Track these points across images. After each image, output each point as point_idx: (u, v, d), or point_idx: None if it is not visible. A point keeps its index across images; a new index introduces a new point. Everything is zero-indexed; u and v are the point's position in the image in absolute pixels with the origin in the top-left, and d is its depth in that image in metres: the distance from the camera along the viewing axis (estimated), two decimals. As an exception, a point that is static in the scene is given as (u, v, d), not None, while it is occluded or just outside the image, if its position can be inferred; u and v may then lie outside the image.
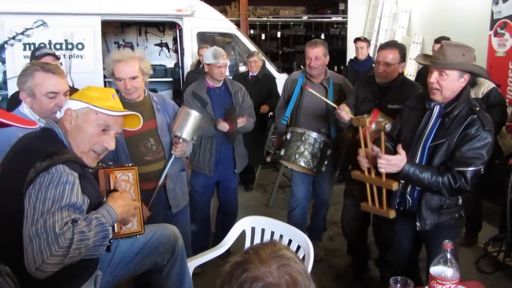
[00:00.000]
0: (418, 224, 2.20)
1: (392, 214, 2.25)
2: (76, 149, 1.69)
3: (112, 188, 1.84)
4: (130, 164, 2.00)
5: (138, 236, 1.96)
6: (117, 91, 2.30)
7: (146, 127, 2.51)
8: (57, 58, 3.26)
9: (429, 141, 2.15)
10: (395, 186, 2.16)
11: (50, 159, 1.52)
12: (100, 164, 1.85)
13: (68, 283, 1.65)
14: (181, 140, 2.51)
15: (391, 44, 2.91)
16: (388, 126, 2.17)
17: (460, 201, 2.18)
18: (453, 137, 2.07)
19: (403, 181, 2.21)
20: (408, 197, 2.24)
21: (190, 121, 2.49)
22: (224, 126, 3.14)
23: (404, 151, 2.10)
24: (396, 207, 2.30)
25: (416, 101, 2.32)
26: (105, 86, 6.03)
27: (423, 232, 2.24)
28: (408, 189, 2.23)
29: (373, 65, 3.34)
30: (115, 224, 1.77)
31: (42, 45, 5.41)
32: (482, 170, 2.04)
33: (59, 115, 1.79)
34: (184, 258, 2.19)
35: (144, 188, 2.54)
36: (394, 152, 2.14)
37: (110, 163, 1.95)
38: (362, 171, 2.30)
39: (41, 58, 3.01)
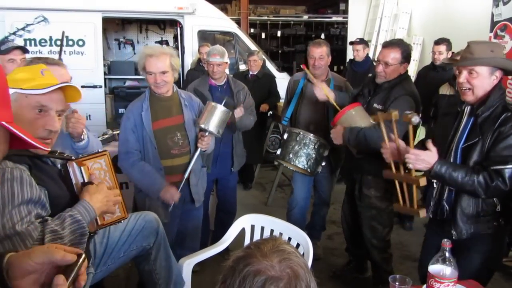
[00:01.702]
0: (454, 232, 2.05)
1: (423, 213, 2.15)
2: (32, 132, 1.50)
3: (86, 180, 1.71)
4: (99, 150, 1.89)
5: (122, 221, 1.90)
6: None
7: (173, 122, 2.66)
8: (26, 51, 3.12)
9: (461, 143, 2.04)
10: (422, 181, 2.06)
11: None
12: (66, 154, 1.71)
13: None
14: (207, 134, 2.62)
15: (394, 43, 2.74)
16: (414, 119, 2.06)
17: (498, 207, 2.01)
18: (487, 137, 1.95)
19: (435, 182, 2.09)
20: (445, 204, 2.10)
21: (216, 114, 2.62)
22: None
23: (434, 147, 1.99)
24: (431, 216, 2.18)
25: (448, 106, 2.22)
26: (105, 83, 6.03)
27: (456, 243, 1.98)
28: (445, 195, 2.10)
29: (374, 63, 3.35)
30: (97, 217, 1.68)
31: (43, 41, 5.42)
32: None
33: None
34: (167, 243, 2.25)
35: (168, 181, 2.63)
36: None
37: (80, 155, 1.83)
38: (391, 169, 2.25)
39: (9, 53, 2.93)
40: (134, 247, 2.12)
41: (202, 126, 2.62)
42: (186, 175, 2.66)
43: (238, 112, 3.22)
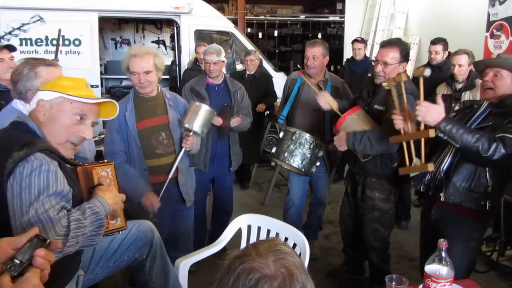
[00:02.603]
0: (442, 194, 2.18)
1: (431, 167, 2.19)
2: (53, 141, 1.63)
3: (96, 183, 1.78)
4: (105, 160, 1.97)
5: (120, 232, 1.94)
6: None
7: (158, 121, 2.65)
8: (13, 49, 3.07)
9: (474, 125, 2.19)
10: (431, 132, 2.10)
11: (27, 148, 1.46)
12: (77, 161, 1.80)
13: (50, 284, 1.62)
14: (191, 133, 2.62)
15: (393, 42, 2.71)
16: (427, 72, 2.18)
17: (490, 188, 2.13)
18: (498, 123, 2.09)
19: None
20: (442, 174, 2.23)
21: (201, 114, 2.61)
22: (217, 121, 3.15)
23: (443, 103, 2.11)
24: (422, 189, 2.33)
25: (464, 104, 2.39)
26: (101, 83, 6.02)
27: (439, 224, 2.26)
28: (442, 167, 2.24)
29: (372, 63, 3.33)
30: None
31: (39, 40, 5.40)
32: None
33: (28, 107, 1.72)
34: (164, 251, 2.22)
35: (154, 182, 2.64)
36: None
37: (86, 162, 1.90)
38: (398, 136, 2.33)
39: None
40: (125, 257, 2.09)
41: (187, 125, 2.61)
42: (170, 175, 2.64)
43: (235, 122, 3.21)
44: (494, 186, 2.14)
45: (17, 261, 1.00)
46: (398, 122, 2.26)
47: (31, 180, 1.44)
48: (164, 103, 2.68)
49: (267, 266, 0.89)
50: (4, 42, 5.21)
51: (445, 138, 2.07)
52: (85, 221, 1.51)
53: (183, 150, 2.65)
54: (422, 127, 2.17)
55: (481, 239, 2.35)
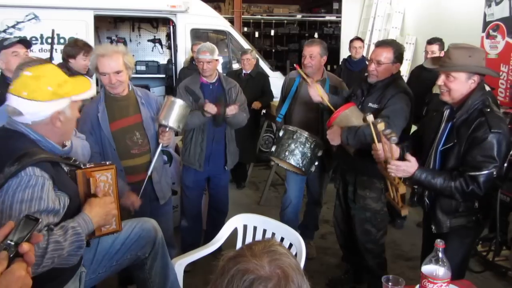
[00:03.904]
0: (433, 227, 2.20)
1: (405, 211, 2.25)
2: (59, 139, 1.68)
3: (92, 192, 1.77)
4: (108, 163, 1.96)
5: (114, 234, 1.95)
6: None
7: (131, 121, 2.60)
8: (29, 45, 3.07)
9: (440, 145, 2.15)
10: (402, 189, 2.18)
11: (19, 163, 1.46)
12: (78, 162, 1.80)
13: (51, 281, 1.62)
14: (167, 129, 2.58)
15: (387, 43, 2.77)
16: (393, 139, 2.12)
17: (476, 204, 2.14)
18: (462, 141, 2.05)
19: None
20: (426, 200, 2.25)
21: (175, 109, 2.59)
22: (212, 108, 3.07)
23: (413, 158, 2.09)
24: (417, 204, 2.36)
25: (438, 104, 2.29)
26: (97, 81, 5.99)
27: (439, 236, 2.20)
28: (426, 192, 2.24)
29: (367, 62, 3.33)
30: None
31: (34, 38, 5.35)
32: (494, 173, 1.99)
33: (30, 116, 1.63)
34: (166, 251, 2.21)
35: (131, 181, 2.60)
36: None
37: (88, 164, 1.89)
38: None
39: (12, 47, 2.89)
40: (128, 256, 2.08)
41: (163, 122, 2.58)
42: (149, 173, 2.62)
43: (232, 110, 3.18)
44: (481, 200, 2.13)
45: (11, 242, 0.98)
46: (377, 157, 2.26)
47: (14, 195, 1.43)
48: (136, 101, 2.62)
49: (262, 267, 0.88)
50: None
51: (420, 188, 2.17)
52: (65, 243, 1.48)
53: (160, 146, 2.61)
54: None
55: (476, 237, 2.36)
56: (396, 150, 2.18)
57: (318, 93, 2.91)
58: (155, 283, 2.18)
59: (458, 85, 2.07)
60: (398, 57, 2.69)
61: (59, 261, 1.49)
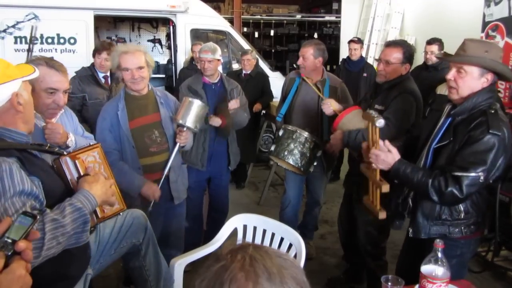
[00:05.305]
0: (410, 229, 2.05)
1: (382, 215, 2.13)
2: (25, 127, 1.56)
3: (83, 173, 1.71)
4: (91, 143, 1.93)
5: (121, 213, 1.93)
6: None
7: (150, 120, 2.65)
8: None
9: (434, 143, 1.99)
10: (385, 188, 2.03)
11: None
12: (57, 149, 1.73)
13: (58, 282, 1.62)
14: (185, 129, 2.62)
15: (397, 43, 2.72)
16: (379, 123, 2.02)
17: (462, 215, 1.94)
18: (458, 140, 1.88)
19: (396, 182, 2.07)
20: (410, 202, 2.09)
21: (193, 109, 2.63)
22: (216, 121, 3.14)
23: (394, 149, 1.97)
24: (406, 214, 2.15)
25: (442, 105, 2.14)
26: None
27: (425, 244, 1.98)
28: (411, 194, 2.08)
29: (375, 61, 3.34)
30: (97, 209, 1.70)
31: (34, 38, 5.35)
32: (481, 178, 1.80)
33: None
34: (155, 239, 2.26)
35: (148, 179, 2.62)
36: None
37: (70, 150, 1.84)
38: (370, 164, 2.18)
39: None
40: (124, 243, 2.12)
41: (180, 121, 2.62)
42: (165, 172, 2.65)
43: (233, 104, 3.20)
44: (468, 210, 1.95)
45: (8, 240, 0.97)
46: (364, 154, 2.18)
47: None
48: (155, 101, 2.68)
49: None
50: (1, 39, 5.18)
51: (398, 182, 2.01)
52: (64, 220, 1.43)
53: (177, 146, 2.65)
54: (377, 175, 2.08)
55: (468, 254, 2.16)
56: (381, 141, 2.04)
57: (331, 108, 2.88)
58: (150, 272, 2.23)
59: (469, 82, 1.88)
60: (408, 58, 2.67)
61: (68, 240, 1.45)
